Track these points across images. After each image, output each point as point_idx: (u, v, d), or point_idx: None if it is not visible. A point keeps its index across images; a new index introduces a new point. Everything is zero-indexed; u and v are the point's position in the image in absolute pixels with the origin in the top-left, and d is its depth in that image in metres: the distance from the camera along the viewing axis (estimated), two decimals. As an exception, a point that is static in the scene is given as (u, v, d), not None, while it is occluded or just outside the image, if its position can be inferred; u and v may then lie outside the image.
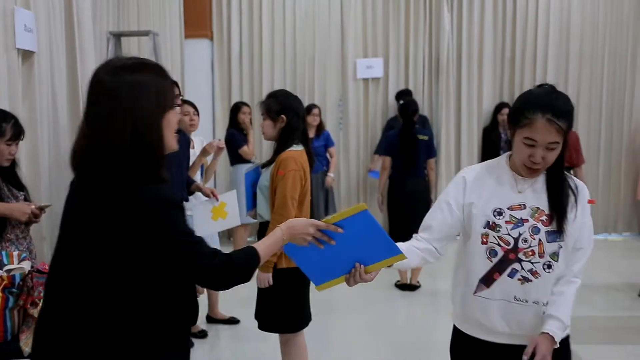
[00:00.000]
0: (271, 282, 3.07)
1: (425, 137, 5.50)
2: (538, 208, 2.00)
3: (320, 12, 7.74)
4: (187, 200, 4.07)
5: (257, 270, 2.93)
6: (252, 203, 3.32)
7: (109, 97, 1.55)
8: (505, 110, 7.49)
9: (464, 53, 7.71)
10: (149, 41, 5.15)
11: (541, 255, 1.98)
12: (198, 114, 4.51)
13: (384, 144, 5.78)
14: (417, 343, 4.35)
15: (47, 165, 3.41)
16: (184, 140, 4.12)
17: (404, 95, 7.35)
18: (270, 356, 4.16)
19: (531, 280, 1.99)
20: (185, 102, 4.39)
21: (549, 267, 1.99)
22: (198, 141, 4.63)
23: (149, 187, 1.58)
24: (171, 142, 1.67)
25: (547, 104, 1.92)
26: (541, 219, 1.98)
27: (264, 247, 1.78)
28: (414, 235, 2.17)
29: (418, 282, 5.58)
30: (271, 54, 7.79)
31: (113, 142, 1.54)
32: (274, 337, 4.45)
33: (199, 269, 1.62)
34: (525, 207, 2.01)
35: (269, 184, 3.09)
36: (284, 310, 3.16)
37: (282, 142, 3.14)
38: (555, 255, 1.99)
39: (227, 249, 5.05)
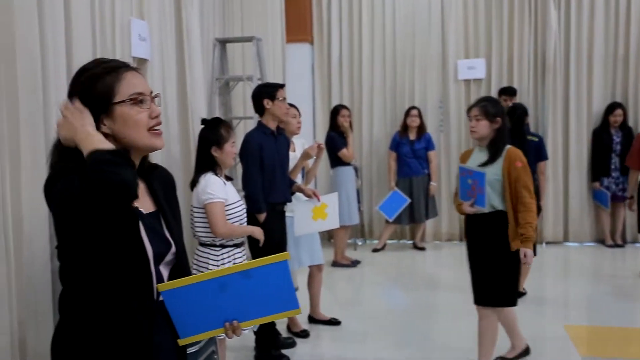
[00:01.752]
0: (532, 254, 3.46)
1: (535, 139, 5.29)
2: None
3: (421, 13, 7.66)
4: (290, 201, 4.13)
5: (520, 249, 3.40)
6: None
7: None
8: (619, 112, 7.09)
9: (573, 51, 7.36)
10: (252, 46, 5.28)
11: None
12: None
13: None
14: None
15: (159, 168, 3.56)
16: (285, 142, 4.19)
17: (507, 93, 7.12)
18: (371, 357, 4.16)
19: None
20: (291, 105, 4.49)
21: None
22: (299, 144, 4.69)
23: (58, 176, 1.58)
24: (138, 139, 1.63)
25: None
26: None
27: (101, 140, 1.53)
28: None
29: (524, 288, 5.38)
30: (371, 57, 7.79)
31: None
32: (375, 339, 4.45)
33: (56, 194, 1.52)
34: None
35: (501, 177, 3.48)
36: (508, 286, 3.56)
37: (501, 140, 3.54)
38: None
39: (328, 252, 5.07)
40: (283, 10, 6.83)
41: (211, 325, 1.67)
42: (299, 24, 7.58)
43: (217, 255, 3.32)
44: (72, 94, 1.62)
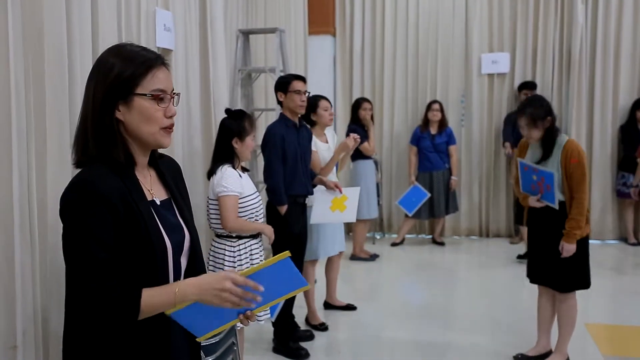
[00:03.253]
0: (574, 251, 3.58)
1: None
2: None
3: (445, 5, 7.58)
4: (311, 193, 4.13)
5: (561, 242, 3.54)
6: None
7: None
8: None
9: (599, 46, 7.24)
10: (275, 38, 5.27)
11: None
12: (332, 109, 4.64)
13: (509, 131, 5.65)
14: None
15: (181, 159, 3.58)
16: (307, 134, 4.19)
17: (528, 87, 7.06)
18: (387, 350, 4.15)
19: None
20: (323, 97, 4.54)
21: None
22: (330, 135, 4.71)
23: (84, 170, 1.59)
24: (148, 135, 1.62)
25: None
26: None
27: (150, 301, 1.55)
28: None
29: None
30: (393, 50, 7.74)
31: (79, 120, 1.64)
32: (392, 332, 4.44)
33: (75, 286, 1.55)
34: None
35: (561, 172, 3.57)
36: (581, 271, 3.68)
37: (551, 137, 3.61)
38: None
39: (346, 245, 5.05)
40: (306, 1, 6.81)
41: (225, 320, 1.69)
42: (321, 16, 7.56)
43: (234, 247, 3.32)
44: (97, 71, 1.61)
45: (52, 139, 2.29)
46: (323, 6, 7.57)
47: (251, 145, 3.37)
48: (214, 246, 3.39)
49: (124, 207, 1.56)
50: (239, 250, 3.33)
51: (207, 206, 3.40)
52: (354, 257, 6.56)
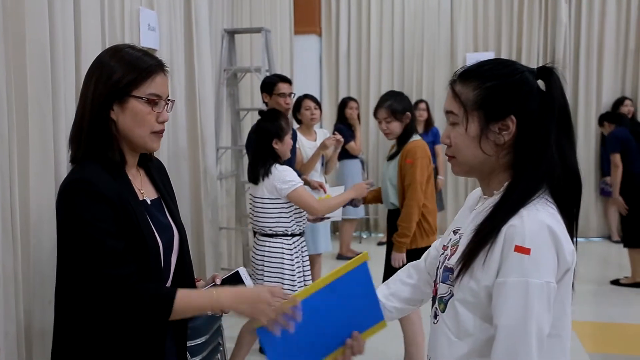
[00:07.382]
0: (405, 261, 3.25)
1: None
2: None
3: (430, 5, 7.62)
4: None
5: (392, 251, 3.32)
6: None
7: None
8: (628, 102, 7.05)
9: (583, 46, 7.32)
10: (260, 38, 5.26)
11: (434, 298, 1.44)
12: (320, 108, 4.65)
13: None
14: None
15: (166, 159, 3.57)
16: (293, 135, 4.18)
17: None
18: (376, 340, 4.16)
19: (435, 324, 1.42)
20: (306, 96, 4.54)
21: (435, 316, 1.41)
22: (321, 133, 4.74)
23: (77, 169, 1.61)
24: (138, 137, 1.62)
25: (461, 70, 1.44)
26: (454, 248, 1.41)
27: (188, 299, 1.56)
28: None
29: None
30: (379, 50, 7.76)
31: (75, 119, 1.65)
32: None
33: (100, 277, 1.51)
34: (457, 232, 1.44)
35: (397, 173, 3.34)
36: None
37: (406, 135, 3.38)
38: (442, 302, 1.37)
39: (333, 244, 5.06)
40: (291, 1, 6.80)
41: (322, 353, 1.56)
42: (307, 16, 7.56)
43: (290, 244, 3.34)
44: (98, 73, 1.61)
45: (34, 140, 2.27)
46: (309, 6, 7.57)
47: (290, 143, 3.38)
48: (268, 246, 3.34)
49: (120, 206, 1.57)
50: (295, 247, 3.36)
51: (256, 207, 3.37)
52: (340, 257, 6.57)
